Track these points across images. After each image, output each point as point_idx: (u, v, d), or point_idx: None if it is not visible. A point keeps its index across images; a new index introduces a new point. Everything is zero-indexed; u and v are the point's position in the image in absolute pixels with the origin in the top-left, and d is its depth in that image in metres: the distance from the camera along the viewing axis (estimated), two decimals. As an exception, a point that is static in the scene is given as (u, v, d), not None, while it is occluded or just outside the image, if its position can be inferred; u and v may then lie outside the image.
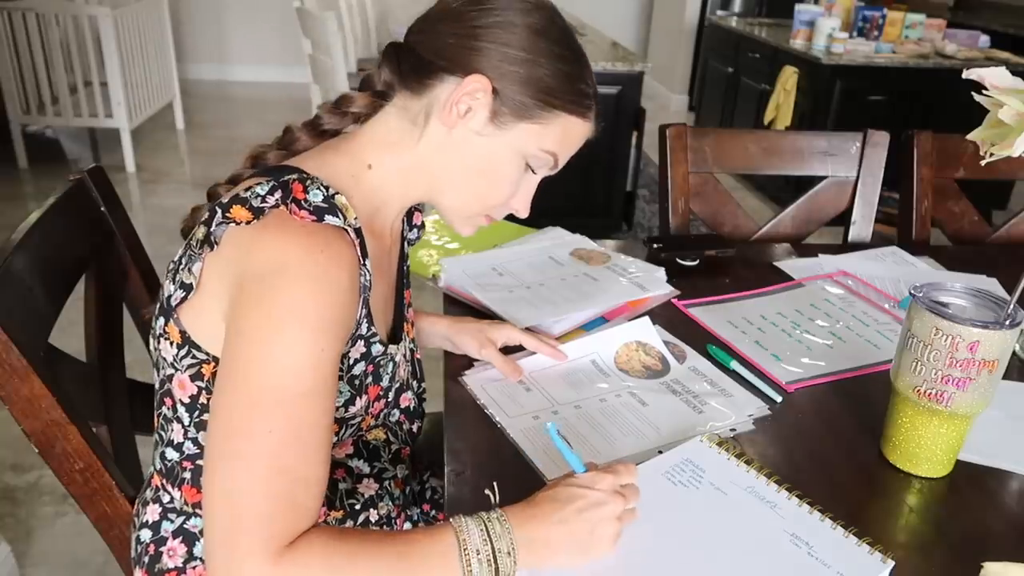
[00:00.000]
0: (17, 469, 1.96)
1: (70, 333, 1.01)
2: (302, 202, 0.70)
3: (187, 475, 0.82)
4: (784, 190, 3.79)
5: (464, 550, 0.65)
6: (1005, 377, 0.81)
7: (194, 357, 0.76)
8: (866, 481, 0.85)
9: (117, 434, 1.00)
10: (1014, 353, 1.10)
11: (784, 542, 0.73)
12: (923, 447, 0.84)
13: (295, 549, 0.63)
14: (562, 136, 0.80)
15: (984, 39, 3.98)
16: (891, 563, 0.71)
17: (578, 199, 3.40)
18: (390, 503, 0.93)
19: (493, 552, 0.66)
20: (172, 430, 0.81)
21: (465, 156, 0.79)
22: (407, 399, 0.94)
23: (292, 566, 0.62)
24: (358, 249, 0.73)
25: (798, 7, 3.96)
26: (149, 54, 4.28)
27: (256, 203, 0.69)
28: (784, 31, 4.16)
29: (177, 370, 0.77)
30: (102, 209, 1.04)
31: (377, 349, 0.82)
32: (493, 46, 0.75)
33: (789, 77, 3.78)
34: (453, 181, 0.81)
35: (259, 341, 0.65)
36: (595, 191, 3.40)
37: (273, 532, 0.63)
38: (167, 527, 0.85)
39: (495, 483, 0.78)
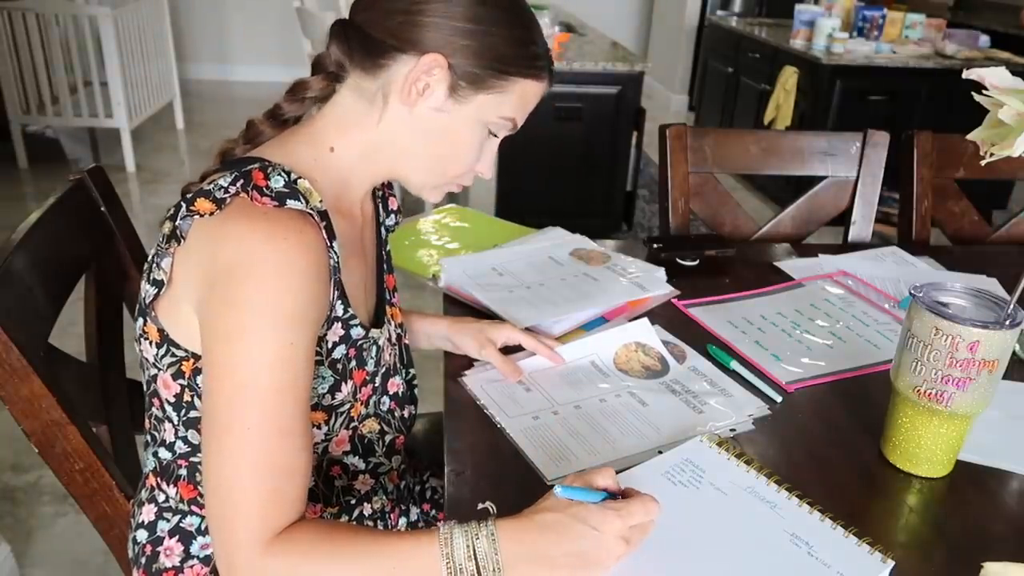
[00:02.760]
0: (17, 469, 1.96)
1: (70, 333, 1.01)
2: (263, 188, 0.71)
3: (183, 472, 0.82)
4: (784, 190, 3.78)
5: (447, 564, 0.65)
6: (1005, 377, 0.81)
7: (173, 355, 0.76)
8: (866, 481, 0.85)
9: (117, 434, 1.00)
10: (1014, 353, 1.10)
11: (784, 542, 0.73)
12: (923, 447, 0.84)
13: (283, 540, 0.65)
14: (519, 100, 0.81)
15: (984, 39, 3.98)
16: (891, 563, 0.71)
17: (578, 199, 3.40)
18: (384, 497, 0.93)
19: (477, 569, 0.65)
20: (164, 430, 0.81)
21: (428, 132, 0.80)
22: (395, 384, 0.94)
23: (279, 556, 0.65)
24: (323, 232, 0.73)
25: (798, 7, 3.96)
26: (149, 54, 4.28)
27: (219, 194, 0.70)
28: (784, 31, 4.15)
29: (159, 370, 0.78)
30: (102, 209, 1.04)
31: (357, 332, 0.82)
32: (442, 20, 0.74)
33: (789, 77, 3.78)
34: (417, 157, 0.82)
35: (230, 340, 0.67)
36: (595, 191, 3.40)
37: (262, 524, 0.65)
38: (163, 526, 0.85)
39: (491, 504, 0.77)
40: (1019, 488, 0.85)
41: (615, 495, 0.70)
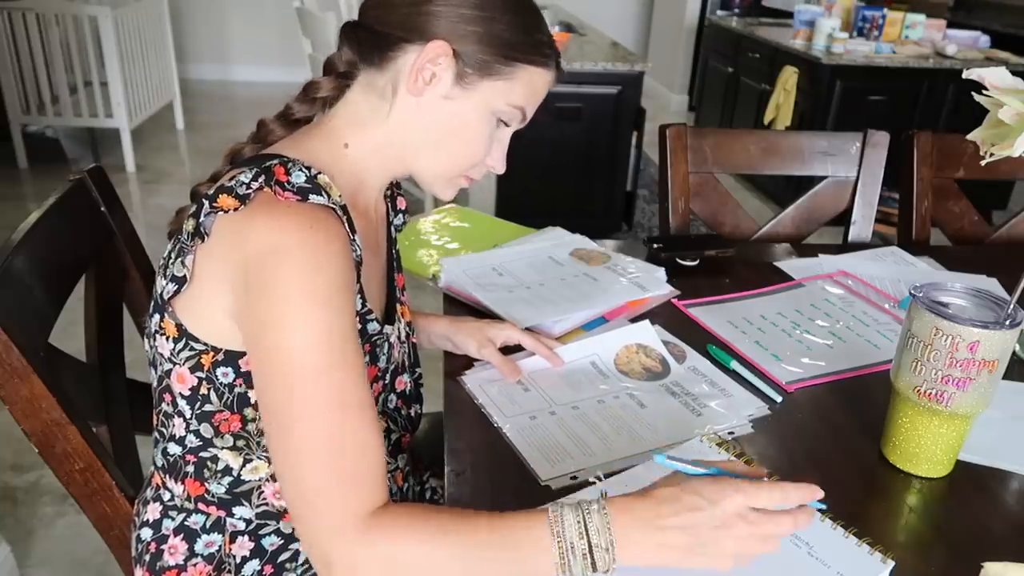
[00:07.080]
0: (17, 469, 1.96)
1: (70, 333, 1.01)
2: (285, 184, 0.71)
3: (190, 468, 0.82)
4: (784, 190, 3.78)
5: (558, 542, 0.63)
6: (1005, 377, 0.81)
7: (192, 349, 0.76)
8: (866, 481, 0.85)
9: (117, 434, 1.00)
10: (1014, 353, 1.10)
11: (784, 542, 0.73)
12: (923, 447, 0.84)
13: (381, 521, 0.64)
14: (527, 88, 0.81)
15: (984, 39, 3.98)
16: (891, 563, 0.71)
17: (578, 199, 3.41)
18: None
19: (589, 546, 0.62)
20: (173, 425, 0.81)
21: (437, 121, 0.80)
22: (403, 382, 0.95)
23: (379, 538, 0.63)
24: (346, 226, 0.73)
25: (798, 7, 3.97)
26: (149, 54, 4.28)
27: (241, 191, 0.70)
28: (784, 31, 4.16)
29: (175, 364, 0.78)
30: (102, 209, 1.04)
31: (373, 328, 0.83)
32: (447, 8, 0.76)
33: (789, 77, 3.78)
34: (428, 147, 0.82)
35: (274, 327, 0.66)
36: (595, 191, 3.40)
37: (347, 505, 0.64)
38: (168, 525, 0.85)
39: (600, 472, 0.77)
40: (1019, 488, 0.85)
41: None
